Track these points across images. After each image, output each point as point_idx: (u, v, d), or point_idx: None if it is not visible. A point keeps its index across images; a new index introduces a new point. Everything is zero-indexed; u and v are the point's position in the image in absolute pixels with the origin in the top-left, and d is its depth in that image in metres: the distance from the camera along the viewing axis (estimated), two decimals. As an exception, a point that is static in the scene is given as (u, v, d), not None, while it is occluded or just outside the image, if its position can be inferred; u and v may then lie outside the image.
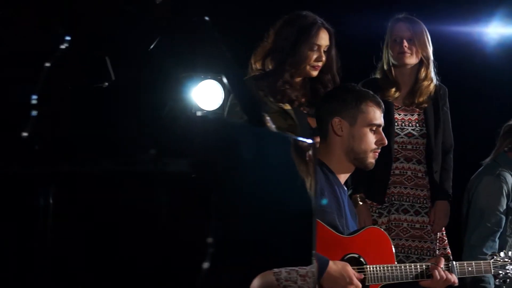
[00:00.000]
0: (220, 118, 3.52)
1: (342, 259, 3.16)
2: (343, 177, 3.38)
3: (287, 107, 3.81)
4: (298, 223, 1.75)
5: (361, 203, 4.35)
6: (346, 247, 3.21)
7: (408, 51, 4.43)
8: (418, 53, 4.45)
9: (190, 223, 1.31)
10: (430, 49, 4.50)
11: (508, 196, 4.11)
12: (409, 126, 4.47)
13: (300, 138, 1.92)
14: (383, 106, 3.45)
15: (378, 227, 3.49)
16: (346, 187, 4.18)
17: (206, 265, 1.27)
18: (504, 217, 4.10)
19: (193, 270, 1.27)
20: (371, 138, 3.33)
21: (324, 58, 3.91)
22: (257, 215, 1.55)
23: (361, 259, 3.22)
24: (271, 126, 2.07)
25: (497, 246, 4.03)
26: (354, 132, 3.32)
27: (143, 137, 1.34)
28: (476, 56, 5.98)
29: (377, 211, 4.40)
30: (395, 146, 4.42)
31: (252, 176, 1.57)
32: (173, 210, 1.30)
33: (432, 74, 4.50)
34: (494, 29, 6.08)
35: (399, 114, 4.48)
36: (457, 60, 5.79)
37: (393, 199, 4.40)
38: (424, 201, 4.45)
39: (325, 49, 3.92)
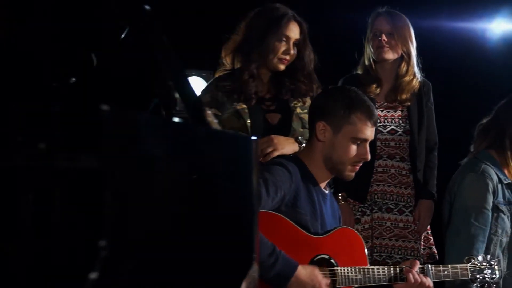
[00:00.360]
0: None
1: (312, 260, 3.05)
2: (322, 181, 3.26)
3: (241, 106, 3.68)
4: (232, 223, 1.63)
5: (342, 202, 4.24)
6: (316, 247, 3.09)
7: (387, 46, 4.30)
8: (397, 48, 4.32)
9: (79, 223, 1.17)
10: (413, 44, 4.37)
11: (494, 193, 3.94)
12: (391, 123, 4.36)
13: (242, 135, 1.77)
14: (377, 121, 3.26)
15: (351, 228, 3.35)
16: (336, 187, 4.17)
17: (94, 272, 1.13)
18: (490, 215, 3.92)
19: (79, 277, 1.13)
20: (352, 151, 3.17)
21: (292, 52, 3.76)
22: (177, 215, 1.45)
23: (332, 261, 3.11)
24: (213, 124, 1.94)
25: (484, 247, 3.87)
26: (336, 141, 3.17)
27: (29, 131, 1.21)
28: (478, 52, 5.86)
29: (359, 209, 4.29)
30: (378, 143, 4.30)
31: (172, 173, 1.43)
32: (59, 208, 1.16)
33: (415, 69, 4.37)
34: (497, 25, 5.97)
35: (382, 111, 4.36)
36: (459, 57, 5.68)
37: (376, 197, 4.29)
38: (408, 200, 4.34)
39: (295, 42, 3.77)
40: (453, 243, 3.90)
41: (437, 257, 4.30)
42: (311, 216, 3.10)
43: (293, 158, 3.24)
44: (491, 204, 3.93)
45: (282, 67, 3.76)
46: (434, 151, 4.46)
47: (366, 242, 4.14)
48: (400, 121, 4.35)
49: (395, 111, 4.38)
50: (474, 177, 3.96)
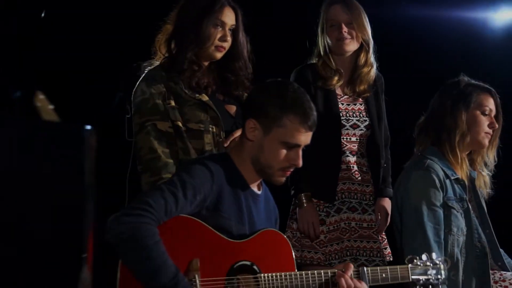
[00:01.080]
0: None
1: (232, 268, 2.84)
2: (253, 181, 3.05)
3: (205, 98, 3.51)
4: (55, 218, 1.60)
5: (306, 203, 4.02)
6: (237, 253, 2.87)
7: (348, 37, 4.09)
8: (358, 38, 4.11)
9: None
10: (369, 31, 4.14)
11: (442, 188, 3.66)
12: (353, 116, 4.14)
13: (72, 125, 1.66)
14: (314, 125, 3.01)
15: (276, 230, 3.07)
16: (290, 185, 3.97)
17: None
18: (441, 213, 3.64)
19: None
20: (282, 156, 2.95)
21: (229, 38, 3.59)
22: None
23: (255, 267, 2.89)
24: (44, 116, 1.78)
25: (442, 247, 3.59)
26: (265, 143, 2.95)
27: None
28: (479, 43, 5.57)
29: (324, 210, 4.06)
30: (341, 138, 4.08)
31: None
32: None
33: (372, 59, 4.16)
34: (501, 15, 5.68)
35: (342, 104, 4.15)
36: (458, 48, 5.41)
37: (343, 196, 4.07)
38: (370, 198, 4.13)
39: (231, 29, 3.60)
40: (410, 247, 3.62)
41: (391, 258, 4.08)
42: (237, 220, 2.91)
43: (223, 155, 3.04)
44: (441, 200, 3.65)
45: (218, 55, 3.60)
46: (387, 147, 4.25)
47: (336, 244, 3.99)
48: (361, 115, 4.14)
49: (355, 104, 4.16)
50: (419, 174, 3.69)
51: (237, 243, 2.88)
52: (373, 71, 4.15)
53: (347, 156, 4.07)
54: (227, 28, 3.58)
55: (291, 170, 2.99)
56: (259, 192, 3.06)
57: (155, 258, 2.62)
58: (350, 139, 4.09)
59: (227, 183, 2.91)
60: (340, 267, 2.97)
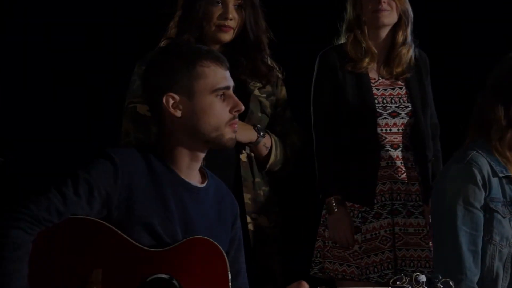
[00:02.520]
0: None
1: (145, 281, 2.38)
2: (189, 171, 2.60)
3: None
4: None
5: (336, 208, 3.47)
6: (153, 264, 2.40)
7: (388, 8, 3.49)
8: (398, 9, 3.52)
9: None
10: (407, 1, 3.55)
11: (484, 186, 2.94)
12: (391, 102, 3.53)
13: None
14: (225, 61, 2.60)
15: (207, 238, 2.50)
16: (318, 188, 3.51)
17: None
18: (482, 216, 2.94)
19: None
20: (222, 108, 2.56)
21: (233, 16, 3.18)
22: None
23: (174, 282, 2.39)
24: None
25: (478, 258, 2.90)
26: (196, 107, 2.54)
27: None
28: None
29: (360, 215, 3.48)
30: (378, 130, 3.50)
31: None
32: None
33: (411, 36, 3.55)
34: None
35: (378, 89, 3.54)
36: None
37: (383, 199, 3.48)
38: (417, 198, 3.51)
39: (236, 5, 3.19)
40: (439, 255, 2.96)
41: None
42: (161, 219, 2.48)
43: (147, 146, 2.63)
44: (482, 201, 2.93)
45: (225, 36, 3.20)
46: (437, 137, 3.62)
47: (374, 255, 3.44)
48: (401, 100, 3.53)
49: (393, 89, 3.55)
50: (458, 168, 2.97)
51: (155, 252, 2.42)
52: (412, 51, 3.54)
53: (388, 150, 3.48)
54: (230, 5, 3.17)
55: (237, 120, 2.59)
56: (200, 186, 2.61)
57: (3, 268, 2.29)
58: (390, 130, 3.49)
59: (146, 177, 2.50)
60: (294, 286, 2.40)
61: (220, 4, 3.16)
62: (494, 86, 3.04)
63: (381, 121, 3.47)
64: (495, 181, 2.97)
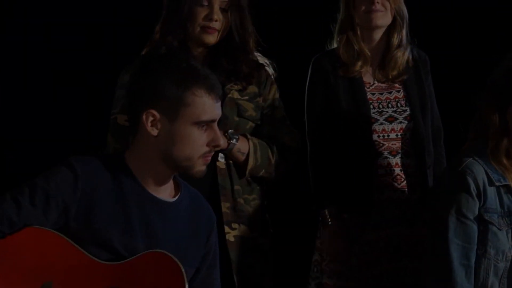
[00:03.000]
0: None
1: None
2: (156, 185, 2.51)
3: None
4: None
5: (330, 221, 3.35)
6: (105, 278, 2.34)
7: (382, 9, 3.34)
8: (392, 10, 3.36)
9: None
10: (403, 2, 3.40)
11: (479, 196, 2.81)
12: (388, 107, 3.38)
13: None
14: (220, 91, 2.49)
15: (165, 253, 2.40)
16: (312, 199, 3.39)
17: None
18: (476, 228, 2.82)
19: None
20: (200, 140, 2.45)
21: (218, 17, 3.07)
22: None
23: None
24: None
25: (471, 273, 2.79)
26: (175, 131, 2.44)
27: None
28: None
29: (357, 226, 3.34)
30: (375, 136, 3.35)
31: None
32: None
33: (406, 38, 3.40)
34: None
35: (373, 94, 3.40)
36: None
37: (381, 208, 3.33)
38: (419, 207, 3.33)
39: (223, 6, 3.08)
40: (430, 268, 2.84)
41: None
42: (122, 232, 2.40)
43: (115, 156, 2.55)
44: (475, 212, 2.79)
45: (209, 38, 3.09)
46: (440, 141, 3.45)
47: (373, 268, 3.31)
48: (399, 104, 3.38)
49: (390, 92, 3.40)
50: (452, 176, 2.84)
51: (108, 265, 2.35)
52: (408, 53, 3.39)
53: (386, 157, 3.33)
54: (215, 6, 3.06)
55: (212, 154, 2.51)
56: (170, 200, 2.52)
57: None
58: (387, 136, 3.35)
59: (109, 189, 2.43)
60: None
61: (206, 5, 3.07)
62: (490, 89, 2.88)
63: (377, 127, 3.33)
64: (491, 190, 2.81)
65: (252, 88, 3.15)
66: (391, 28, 3.37)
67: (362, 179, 3.32)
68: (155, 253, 2.39)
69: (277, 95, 3.22)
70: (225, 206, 3.04)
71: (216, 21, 3.05)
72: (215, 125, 2.46)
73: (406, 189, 3.33)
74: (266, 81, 3.19)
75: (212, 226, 2.63)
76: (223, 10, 3.07)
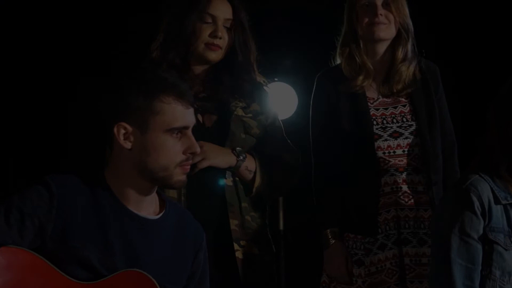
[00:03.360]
0: None
1: None
2: (136, 201, 2.46)
3: None
4: None
5: (331, 241, 3.23)
6: None
7: (385, 21, 3.23)
8: (396, 23, 3.25)
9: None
10: (408, 14, 3.28)
11: (483, 215, 2.63)
12: (393, 122, 3.25)
13: None
14: (191, 98, 2.44)
15: (141, 272, 2.34)
16: (321, 220, 3.28)
17: None
18: (480, 248, 2.64)
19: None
20: (175, 148, 2.41)
21: (224, 35, 3.06)
22: None
23: None
24: None
25: None
26: (147, 142, 2.41)
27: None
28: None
29: (363, 247, 3.20)
30: (380, 153, 3.22)
31: None
32: None
33: (412, 52, 3.28)
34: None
35: (377, 109, 3.27)
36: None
37: (387, 228, 3.19)
38: (427, 225, 3.20)
39: (227, 25, 3.07)
40: None
41: None
42: (100, 251, 2.35)
43: (94, 174, 2.50)
44: (480, 231, 2.62)
45: (213, 55, 3.06)
46: (453, 156, 3.30)
47: None
48: (404, 119, 3.24)
49: (396, 107, 3.27)
50: (456, 193, 2.69)
51: (82, 285, 2.31)
52: (413, 66, 3.26)
53: (392, 174, 3.19)
54: (219, 23, 3.05)
55: (190, 162, 2.46)
56: (152, 217, 2.47)
57: None
58: (393, 152, 3.21)
59: (87, 207, 2.39)
60: None
61: (210, 22, 3.05)
62: (495, 103, 2.78)
63: (382, 144, 3.20)
64: (497, 209, 2.66)
65: (255, 106, 3.11)
66: (396, 42, 3.26)
67: (366, 198, 3.20)
68: (131, 272, 2.34)
69: (277, 114, 3.19)
70: (234, 224, 3.00)
71: (220, 38, 3.03)
72: (189, 132, 2.42)
73: (415, 207, 3.19)
74: (266, 100, 3.16)
75: (200, 244, 2.57)
76: (226, 29, 3.06)
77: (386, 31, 3.23)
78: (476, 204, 2.62)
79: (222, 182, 2.99)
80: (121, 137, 2.40)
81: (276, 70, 4.70)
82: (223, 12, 3.05)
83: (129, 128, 2.39)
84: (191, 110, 2.43)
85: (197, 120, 2.94)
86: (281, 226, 4.07)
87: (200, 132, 2.94)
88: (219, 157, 2.97)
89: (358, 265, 3.19)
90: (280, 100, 4.63)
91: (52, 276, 2.29)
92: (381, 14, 3.20)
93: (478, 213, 2.62)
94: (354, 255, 3.20)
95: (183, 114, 2.40)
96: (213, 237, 2.89)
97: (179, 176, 2.41)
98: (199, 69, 3.09)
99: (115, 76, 2.55)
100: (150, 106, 2.38)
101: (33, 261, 2.29)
